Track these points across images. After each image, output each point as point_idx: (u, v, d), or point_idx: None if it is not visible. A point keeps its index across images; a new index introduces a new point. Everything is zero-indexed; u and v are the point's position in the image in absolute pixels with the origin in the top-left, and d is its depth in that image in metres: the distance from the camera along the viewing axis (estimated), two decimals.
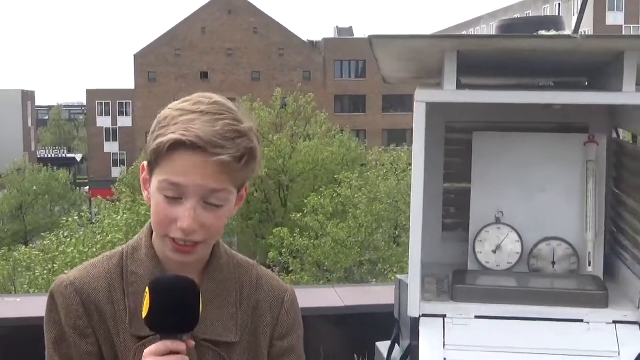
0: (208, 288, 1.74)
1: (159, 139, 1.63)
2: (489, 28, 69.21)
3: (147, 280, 1.68)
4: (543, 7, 65.36)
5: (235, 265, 1.82)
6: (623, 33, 54.40)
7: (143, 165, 1.73)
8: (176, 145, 1.60)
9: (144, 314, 1.58)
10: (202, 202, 1.64)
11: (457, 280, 2.55)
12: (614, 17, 61.44)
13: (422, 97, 2.40)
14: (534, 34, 2.41)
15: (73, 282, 1.72)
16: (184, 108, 1.65)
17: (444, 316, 2.44)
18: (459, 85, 2.41)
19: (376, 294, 5.79)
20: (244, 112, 1.72)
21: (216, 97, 1.71)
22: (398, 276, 2.93)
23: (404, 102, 60.77)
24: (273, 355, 1.82)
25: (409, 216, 2.42)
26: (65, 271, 1.88)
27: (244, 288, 1.80)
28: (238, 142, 1.63)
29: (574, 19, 2.96)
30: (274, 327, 1.82)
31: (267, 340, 1.81)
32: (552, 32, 2.39)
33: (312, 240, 28.60)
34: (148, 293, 1.58)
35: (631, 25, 61.01)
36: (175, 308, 1.57)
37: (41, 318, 1.75)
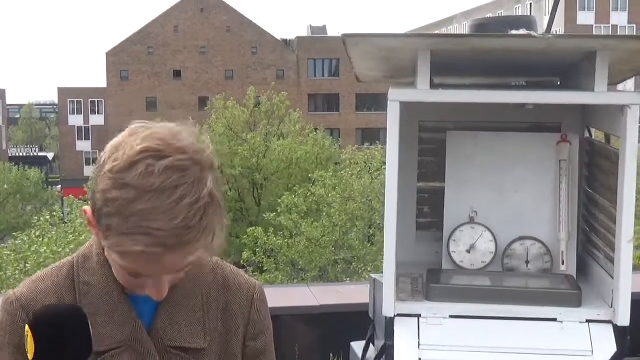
0: (172, 293, 1.65)
1: (112, 240, 1.47)
2: (462, 27, 69.56)
3: (102, 289, 1.64)
4: (515, 6, 65.78)
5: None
6: (594, 33, 54.91)
7: (86, 211, 1.58)
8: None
9: (29, 357, 1.51)
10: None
11: (431, 280, 2.55)
12: (585, 17, 61.96)
13: (396, 96, 2.40)
14: (507, 33, 2.42)
15: (19, 298, 1.66)
16: (135, 185, 1.45)
17: (418, 316, 2.44)
18: (433, 85, 2.41)
19: (351, 293, 5.78)
20: (190, 139, 1.52)
21: (162, 147, 1.48)
22: (372, 275, 2.92)
23: (377, 101, 60.95)
24: (248, 357, 1.77)
25: (383, 215, 2.41)
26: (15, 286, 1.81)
27: (210, 290, 1.74)
28: (204, 223, 1.48)
29: (546, 18, 2.97)
30: (245, 327, 1.77)
31: (239, 342, 1.76)
32: (524, 32, 2.39)
33: (286, 240, 28.57)
34: (29, 334, 1.51)
35: (602, 25, 61.59)
36: (62, 345, 1.51)
37: None
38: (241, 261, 28.40)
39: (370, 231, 29.80)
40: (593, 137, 2.93)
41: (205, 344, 1.70)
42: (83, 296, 1.65)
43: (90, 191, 1.54)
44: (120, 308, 1.64)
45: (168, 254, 1.47)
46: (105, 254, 1.60)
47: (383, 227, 2.41)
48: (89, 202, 1.56)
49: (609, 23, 62.07)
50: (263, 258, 28.36)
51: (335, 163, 37.18)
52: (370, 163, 34.27)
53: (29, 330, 1.51)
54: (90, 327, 1.55)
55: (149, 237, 1.44)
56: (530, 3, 63.29)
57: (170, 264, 1.51)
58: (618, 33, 51.52)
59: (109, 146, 1.53)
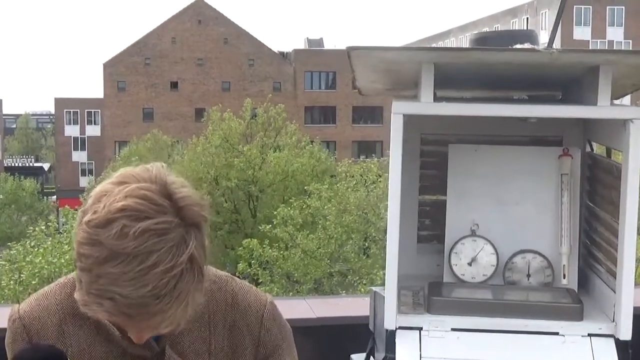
0: None
1: (81, 296, 1.42)
2: (459, 41, 69.82)
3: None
4: (512, 21, 66.00)
5: (211, 281, 1.68)
6: (590, 48, 55.08)
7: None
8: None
9: None
10: None
11: (433, 293, 2.55)
12: (582, 32, 62.18)
13: (400, 109, 2.40)
14: (511, 47, 2.43)
15: (22, 317, 1.65)
16: (107, 245, 1.38)
17: (420, 329, 2.44)
18: (436, 98, 2.41)
19: (347, 306, 5.75)
20: (183, 197, 1.44)
21: (143, 209, 1.40)
22: (373, 288, 2.91)
23: (374, 115, 61.11)
24: None
25: (379, 228, 2.41)
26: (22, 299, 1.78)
27: (218, 308, 1.69)
28: (177, 292, 1.40)
29: (542, 33, 2.98)
30: (256, 348, 1.71)
31: None
32: (529, 46, 2.40)
33: (281, 252, 28.54)
34: None
35: (598, 40, 61.83)
36: None
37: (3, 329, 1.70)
38: (237, 273, 28.34)
39: (366, 244, 29.78)
40: (594, 151, 2.94)
41: None
42: (87, 317, 1.60)
43: (74, 237, 1.48)
44: (112, 329, 1.62)
45: (132, 322, 1.42)
46: None
47: (380, 239, 2.41)
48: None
49: (605, 39, 62.30)
50: (258, 270, 28.31)
51: (332, 176, 37.18)
52: (367, 176, 34.28)
53: None
54: None
55: (113, 304, 1.38)
56: (527, 18, 63.50)
57: (136, 329, 1.47)
58: (614, 49, 51.72)
59: (95, 192, 1.46)
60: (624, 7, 63.35)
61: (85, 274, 1.41)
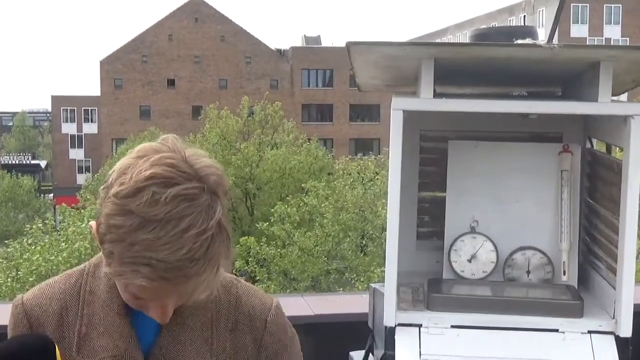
0: (180, 310, 1.61)
1: (114, 268, 1.44)
2: (456, 39, 69.74)
3: (104, 300, 1.62)
4: (509, 19, 66.03)
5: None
6: None
7: (92, 227, 1.53)
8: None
9: None
10: None
11: (433, 290, 2.54)
12: (579, 30, 62.19)
13: (399, 105, 2.39)
14: (512, 42, 2.41)
15: (25, 302, 1.66)
16: (138, 212, 1.40)
17: (420, 326, 2.43)
18: (435, 94, 2.40)
19: (346, 303, 5.75)
20: (202, 164, 1.47)
21: (171, 176, 1.42)
22: (372, 285, 2.90)
23: (371, 112, 61.07)
24: None
25: (376, 225, 2.40)
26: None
27: (221, 309, 1.68)
28: (210, 255, 1.43)
29: (540, 30, 2.98)
30: (258, 351, 1.70)
31: None
32: (530, 41, 2.39)
33: (279, 250, 28.54)
34: None
35: (595, 38, 61.82)
36: None
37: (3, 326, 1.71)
38: (234, 271, 28.35)
39: (363, 242, 29.79)
40: (594, 147, 2.93)
41: None
42: (86, 305, 1.64)
43: (97, 211, 1.50)
44: (118, 322, 1.62)
45: (170, 286, 1.43)
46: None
47: (377, 237, 2.40)
48: (96, 219, 1.52)
49: (602, 36, 62.31)
50: (256, 268, 28.32)
51: (329, 173, 37.19)
52: (364, 174, 34.30)
53: None
54: (58, 357, 1.54)
55: (150, 269, 1.40)
56: (524, 15, 63.51)
57: (173, 294, 1.48)
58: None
59: (117, 167, 1.48)
60: (621, 5, 63.38)
61: (117, 244, 1.42)
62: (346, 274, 28.22)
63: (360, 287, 24.33)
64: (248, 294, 1.74)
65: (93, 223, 1.54)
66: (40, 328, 1.63)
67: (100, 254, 1.67)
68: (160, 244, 1.39)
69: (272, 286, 27.26)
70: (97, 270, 1.67)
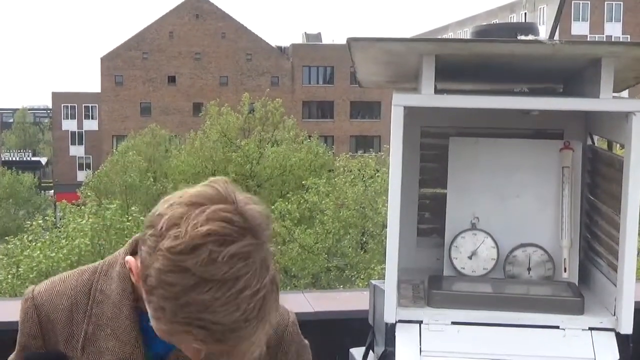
0: None
1: (164, 326, 1.39)
2: (457, 36, 69.69)
3: (114, 302, 1.60)
4: (510, 16, 65.97)
5: None
6: None
7: (130, 266, 1.49)
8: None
9: None
10: None
11: (433, 286, 2.54)
12: (579, 28, 62.14)
13: (400, 101, 2.38)
14: (513, 38, 2.41)
15: (35, 297, 1.64)
16: (195, 272, 1.35)
17: (420, 322, 2.43)
18: (436, 90, 2.40)
19: (346, 300, 5.75)
20: (256, 216, 1.42)
21: (228, 232, 1.37)
22: (372, 282, 2.90)
23: (371, 109, 61.05)
24: None
25: (377, 222, 2.40)
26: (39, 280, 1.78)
27: None
28: (263, 314, 1.39)
29: (541, 28, 2.97)
30: None
31: None
32: (532, 37, 2.39)
33: (279, 247, 28.54)
34: None
35: (596, 36, 61.78)
36: None
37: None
38: None
39: (364, 239, 29.79)
40: (595, 144, 2.92)
41: None
42: (96, 305, 1.62)
43: (144, 261, 1.43)
44: (126, 325, 1.60)
45: (223, 347, 1.40)
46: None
47: (378, 234, 2.40)
48: (140, 267, 1.45)
49: (603, 34, 62.29)
50: None
51: (329, 170, 37.18)
52: (364, 171, 34.27)
53: None
54: None
55: (205, 332, 1.36)
56: (525, 13, 63.47)
57: (220, 355, 1.43)
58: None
59: (166, 214, 1.41)
60: (622, 3, 63.35)
61: (169, 302, 1.37)
62: (346, 271, 28.22)
63: (360, 284, 24.33)
64: None
65: (131, 260, 1.50)
66: (49, 324, 1.62)
67: (115, 254, 1.68)
68: (217, 306, 1.35)
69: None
70: (110, 270, 1.65)
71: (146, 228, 1.44)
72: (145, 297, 1.43)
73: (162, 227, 1.39)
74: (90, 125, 69.97)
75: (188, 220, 1.38)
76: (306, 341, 1.80)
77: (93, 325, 1.61)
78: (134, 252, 1.59)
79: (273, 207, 30.68)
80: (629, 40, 59.67)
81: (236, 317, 1.35)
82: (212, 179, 1.47)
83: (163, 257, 1.37)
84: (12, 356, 1.68)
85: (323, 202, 30.16)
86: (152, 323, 1.45)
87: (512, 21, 61.41)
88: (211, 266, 1.34)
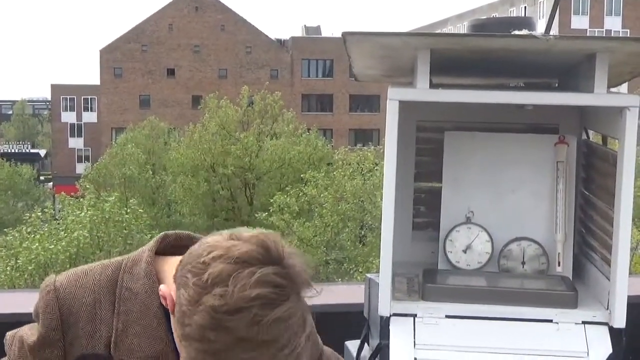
0: None
1: None
2: (456, 30, 69.63)
3: (142, 299, 1.59)
4: (510, 10, 65.91)
5: None
6: None
7: (166, 298, 1.50)
8: None
9: None
10: None
11: (428, 280, 2.54)
12: (579, 21, 62.08)
13: (395, 95, 2.39)
14: (509, 33, 2.41)
15: (58, 289, 1.62)
16: (238, 332, 1.37)
17: (414, 316, 2.44)
18: (431, 85, 2.40)
19: (343, 293, 5.76)
20: (299, 272, 1.44)
21: (275, 297, 1.39)
22: (368, 275, 2.91)
23: (371, 103, 61.06)
24: None
25: (375, 216, 2.41)
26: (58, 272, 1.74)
27: None
28: None
29: (541, 22, 2.97)
30: None
31: None
32: (526, 32, 2.39)
33: None
34: None
35: (596, 30, 61.73)
36: None
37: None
38: None
39: (362, 232, 29.82)
40: (590, 139, 2.93)
41: None
42: (123, 302, 1.61)
43: (182, 307, 1.42)
44: (155, 324, 1.60)
45: None
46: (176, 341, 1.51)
47: (376, 227, 2.41)
48: (175, 301, 1.45)
49: (603, 28, 62.22)
50: None
51: (328, 164, 37.20)
52: (363, 164, 34.29)
53: None
54: None
55: None
56: (525, 6, 63.39)
57: None
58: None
59: (214, 272, 1.39)
60: None
61: (207, 355, 1.38)
62: (345, 265, 28.26)
63: (358, 277, 24.36)
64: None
65: (166, 292, 1.50)
66: (71, 317, 1.60)
67: (139, 251, 1.67)
68: None
69: None
70: (135, 267, 1.64)
71: (185, 268, 1.44)
72: (180, 340, 1.44)
73: (207, 280, 1.39)
74: (90, 117, 69.94)
75: (236, 281, 1.37)
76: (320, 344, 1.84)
77: (122, 323, 1.60)
78: (160, 251, 1.62)
79: (272, 200, 30.71)
80: (628, 34, 59.67)
81: None
82: (261, 232, 1.47)
83: (206, 314, 1.37)
84: (14, 332, 1.67)
85: (322, 195, 30.18)
86: (181, 352, 1.45)
87: (512, 15, 61.39)
88: (254, 327, 1.36)
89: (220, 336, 1.36)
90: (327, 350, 1.88)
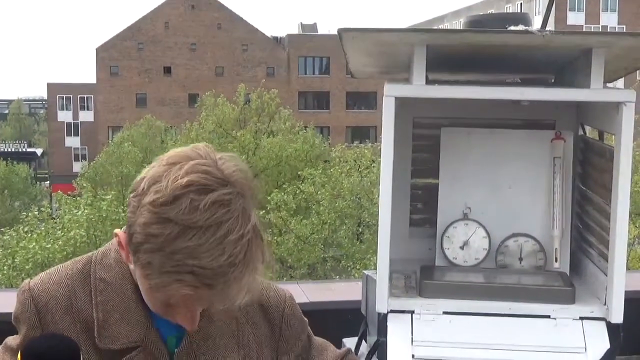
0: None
1: (155, 280, 1.43)
2: (453, 26, 69.63)
3: (117, 287, 1.61)
4: (506, 6, 65.89)
5: None
6: None
7: (119, 236, 1.54)
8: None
9: None
10: None
11: (425, 276, 2.54)
12: (575, 18, 62.13)
13: (392, 92, 2.38)
14: (505, 29, 2.41)
15: (32, 288, 1.65)
16: (178, 220, 1.41)
17: (412, 312, 2.43)
18: (428, 81, 2.40)
19: (341, 291, 5.77)
20: (235, 171, 1.49)
21: (207, 182, 1.43)
22: (365, 272, 2.91)
23: (367, 100, 61.06)
24: None
25: (372, 213, 2.41)
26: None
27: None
28: (248, 259, 1.45)
29: (537, 18, 2.97)
30: (277, 343, 1.75)
31: (269, 357, 1.74)
32: (522, 28, 2.39)
33: (275, 237, 28.56)
34: None
35: (592, 26, 61.78)
36: None
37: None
38: None
39: (360, 229, 29.82)
40: (587, 134, 2.93)
41: (239, 357, 1.67)
42: (99, 293, 1.63)
43: (129, 222, 1.48)
44: (134, 308, 1.61)
45: (212, 292, 1.44)
46: (137, 281, 1.55)
47: (373, 224, 2.41)
48: (126, 230, 1.50)
49: (599, 24, 62.28)
50: None
51: (325, 161, 37.19)
52: (360, 161, 34.28)
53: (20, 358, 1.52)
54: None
55: (193, 277, 1.40)
56: (521, 3, 63.40)
57: (215, 301, 1.48)
58: None
59: (147, 175, 1.48)
60: None
61: (156, 254, 1.42)
62: (342, 262, 28.26)
63: (356, 274, 24.36)
64: (263, 288, 1.76)
65: (120, 232, 1.54)
66: (48, 314, 1.62)
67: (108, 244, 1.69)
68: (202, 251, 1.40)
69: (269, 274, 27.22)
70: (105, 258, 1.67)
71: (130, 194, 1.50)
72: (133, 259, 1.48)
73: (143, 187, 1.46)
74: (86, 116, 69.86)
75: (168, 176, 1.44)
76: (306, 319, 1.85)
77: (102, 313, 1.61)
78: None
79: (269, 197, 30.69)
80: (624, 30, 59.67)
81: (222, 261, 1.40)
82: (193, 145, 1.54)
83: (146, 211, 1.43)
84: (9, 340, 1.68)
85: (319, 192, 30.16)
86: (141, 284, 1.50)
87: (508, 11, 61.39)
88: (193, 214, 1.40)
89: (162, 228, 1.41)
90: (319, 339, 1.88)
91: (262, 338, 1.73)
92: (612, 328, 2.39)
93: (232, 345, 1.67)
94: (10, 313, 1.71)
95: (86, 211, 25.01)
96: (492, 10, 63.96)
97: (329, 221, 28.88)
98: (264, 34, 64.90)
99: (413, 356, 2.36)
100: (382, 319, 2.43)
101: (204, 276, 1.40)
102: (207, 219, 1.40)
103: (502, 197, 2.75)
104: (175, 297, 1.46)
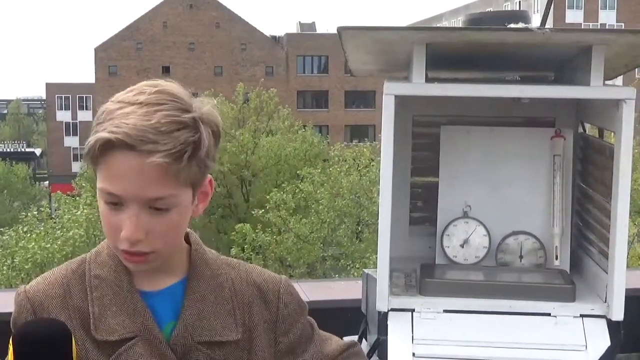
0: (198, 285, 1.64)
1: (90, 138, 1.52)
2: (451, 25, 69.56)
3: (112, 281, 1.62)
4: (504, 4, 65.88)
5: (223, 262, 1.73)
6: None
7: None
8: (107, 146, 1.48)
9: None
10: (147, 208, 1.52)
11: (425, 275, 2.54)
12: (574, 16, 62.10)
13: (391, 90, 2.38)
14: (504, 26, 2.41)
15: (28, 289, 1.66)
16: (124, 100, 1.53)
17: (412, 310, 2.43)
18: (427, 79, 2.40)
19: (340, 289, 5.76)
20: (198, 101, 1.62)
21: (164, 84, 1.57)
22: (365, 270, 2.91)
23: (366, 99, 61.00)
24: (284, 352, 1.73)
25: (372, 212, 2.40)
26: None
27: (235, 284, 1.70)
28: (176, 135, 1.48)
29: (535, 16, 2.97)
30: (275, 324, 1.73)
31: (268, 338, 1.72)
32: (522, 25, 2.39)
33: (274, 237, 28.53)
34: (12, 348, 1.51)
35: (590, 24, 61.73)
36: None
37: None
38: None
39: (359, 228, 29.79)
40: (587, 132, 2.93)
41: (238, 335, 1.65)
42: (95, 289, 1.64)
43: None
44: (130, 298, 1.62)
45: (135, 154, 1.47)
46: (98, 200, 1.58)
47: (373, 223, 2.40)
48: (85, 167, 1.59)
49: (597, 22, 62.25)
50: (251, 255, 28.31)
51: (324, 160, 37.14)
52: (359, 160, 34.23)
53: (12, 344, 1.51)
54: (74, 345, 1.54)
55: (118, 128, 1.47)
56: (520, 1, 63.40)
57: (141, 179, 1.49)
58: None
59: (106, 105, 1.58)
60: None
61: (100, 125, 1.51)
62: (342, 261, 28.23)
63: (356, 273, 24.35)
64: (257, 271, 1.77)
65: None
66: (44, 312, 1.63)
67: (102, 243, 1.70)
68: (133, 115, 1.48)
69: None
70: (98, 257, 1.68)
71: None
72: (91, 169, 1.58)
73: (94, 122, 1.56)
74: (85, 116, 69.74)
75: (119, 96, 1.56)
76: (305, 302, 1.82)
77: (98, 307, 1.62)
78: None
79: (268, 197, 30.67)
80: (623, 27, 59.63)
81: (147, 124, 1.48)
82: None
83: (101, 109, 1.56)
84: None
85: (318, 191, 30.12)
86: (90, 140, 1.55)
87: (506, 9, 61.32)
88: (139, 96, 1.52)
89: (111, 105, 1.54)
90: (324, 332, 1.85)
91: (258, 319, 1.71)
92: (612, 326, 2.40)
93: (230, 325, 1.66)
94: (10, 313, 1.71)
95: (85, 211, 24.96)
96: (491, 9, 63.90)
97: (328, 220, 28.84)
98: (262, 33, 64.84)
99: (414, 354, 2.36)
100: (383, 318, 2.43)
101: (126, 128, 1.47)
102: (149, 99, 1.51)
103: (502, 195, 2.75)
104: (106, 171, 1.51)
